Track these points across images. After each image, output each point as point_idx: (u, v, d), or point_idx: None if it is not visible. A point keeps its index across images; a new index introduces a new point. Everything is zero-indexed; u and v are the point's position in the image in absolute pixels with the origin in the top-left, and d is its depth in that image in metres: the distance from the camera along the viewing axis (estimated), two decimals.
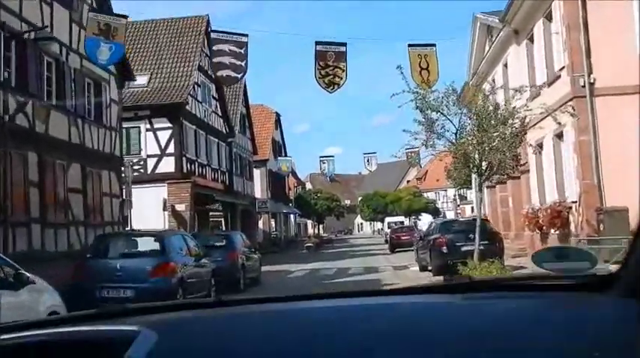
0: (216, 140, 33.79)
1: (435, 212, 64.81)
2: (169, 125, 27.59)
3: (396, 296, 1.73)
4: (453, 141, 15.49)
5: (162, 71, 29.29)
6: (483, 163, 15.16)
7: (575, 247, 3.01)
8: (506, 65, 23.91)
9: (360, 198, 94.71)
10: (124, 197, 20.82)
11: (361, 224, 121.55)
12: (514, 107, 14.92)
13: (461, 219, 21.03)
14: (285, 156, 55.12)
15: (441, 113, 14.83)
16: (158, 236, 12.30)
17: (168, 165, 27.43)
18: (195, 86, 30.14)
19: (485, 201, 31.16)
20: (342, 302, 1.67)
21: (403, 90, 14.35)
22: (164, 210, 26.14)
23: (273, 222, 50.81)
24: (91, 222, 18.02)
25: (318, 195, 76.77)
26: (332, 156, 36.50)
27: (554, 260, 1.53)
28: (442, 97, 14.68)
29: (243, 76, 14.59)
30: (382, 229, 63.77)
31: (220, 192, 33.14)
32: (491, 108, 14.94)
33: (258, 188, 45.97)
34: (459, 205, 63.72)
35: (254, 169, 44.63)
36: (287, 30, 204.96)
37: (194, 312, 1.70)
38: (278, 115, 53.13)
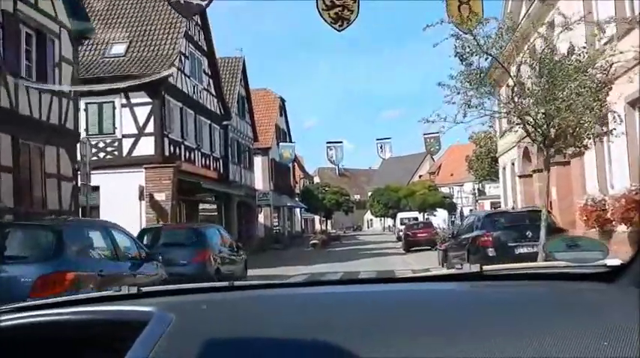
0: (208, 121, 29.60)
1: (452, 207, 60.33)
2: (149, 100, 23.43)
3: (406, 284, 1.75)
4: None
5: (142, 39, 25.11)
6: (552, 129, 10.73)
7: (587, 237, 1.97)
8: None
9: (370, 193, 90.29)
10: (79, 181, 16.65)
11: (371, 220, 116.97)
12: (597, 50, 10.56)
13: (513, 211, 16.47)
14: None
15: (494, 58, 10.46)
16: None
17: (146, 147, 23.28)
18: (182, 57, 25.95)
19: (518, 192, 26.87)
20: (352, 289, 1.70)
21: (441, 20, 10.05)
22: (140, 199, 21.98)
23: (276, 217, 46.56)
24: (26, 209, 13.88)
25: (326, 188, 72.48)
26: (340, 142, 32.29)
27: (566, 249, 1.51)
28: (495, 35, 10.34)
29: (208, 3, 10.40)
30: (394, 226, 59.42)
31: (212, 180, 28.97)
32: (562, 51, 10.58)
33: (259, 178, 41.83)
34: (477, 201, 59.26)
35: (254, 157, 40.45)
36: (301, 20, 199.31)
37: (207, 296, 1.70)
38: (283, 101, 48.88)
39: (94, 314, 1.49)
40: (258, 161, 42.15)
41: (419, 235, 33.38)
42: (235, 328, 1.30)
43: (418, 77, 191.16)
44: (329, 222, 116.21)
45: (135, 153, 23.21)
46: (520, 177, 26.07)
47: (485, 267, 1.63)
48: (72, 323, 1.48)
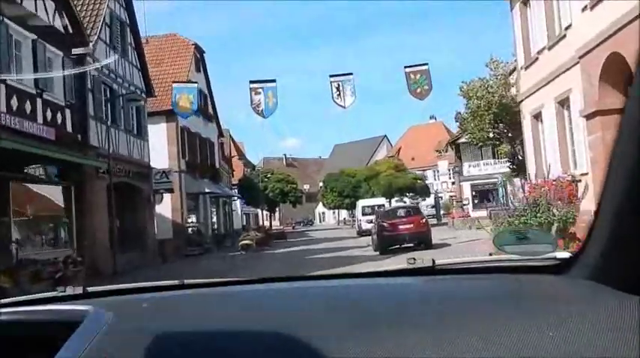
0: (32, 36, 16.61)
1: (425, 191, 48.49)
2: None
3: (359, 279, 1.71)
4: None
5: None
6: None
7: (536, 230, 2.99)
8: None
9: (321, 183, 78.18)
10: None
11: (323, 213, 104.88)
12: None
13: None
14: (213, 113, 38.07)
15: None
16: None
17: None
18: None
19: (575, 149, 15.17)
20: (306, 284, 1.67)
21: None
22: None
23: (193, 209, 33.65)
24: None
25: (269, 176, 59.81)
26: (272, 81, 19.78)
27: (515, 242, 1.53)
28: None
29: None
30: (353, 217, 47.11)
31: (42, 141, 16.10)
32: None
33: (161, 153, 29.05)
34: (453, 182, 47.80)
35: (150, 121, 27.56)
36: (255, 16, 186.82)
37: (152, 294, 1.66)
38: (200, 51, 35.92)
39: (31, 314, 1.47)
40: (158, 128, 29.36)
41: (401, 228, 21.19)
42: (179, 326, 1.26)
43: (367, 69, 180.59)
44: (276, 216, 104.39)
45: None
46: (592, 116, 14.15)
47: (437, 261, 1.61)
48: (8, 323, 1.45)
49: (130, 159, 23.36)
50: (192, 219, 32.58)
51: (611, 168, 1.08)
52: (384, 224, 21.72)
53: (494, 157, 47.71)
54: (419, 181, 48.92)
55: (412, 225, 21.27)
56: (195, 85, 20.86)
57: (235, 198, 59.24)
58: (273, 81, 20.44)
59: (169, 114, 30.17)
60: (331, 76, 20.62)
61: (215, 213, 38.12)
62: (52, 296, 1.65)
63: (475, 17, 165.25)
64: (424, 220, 21.89)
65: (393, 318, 1.19)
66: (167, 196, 29.71)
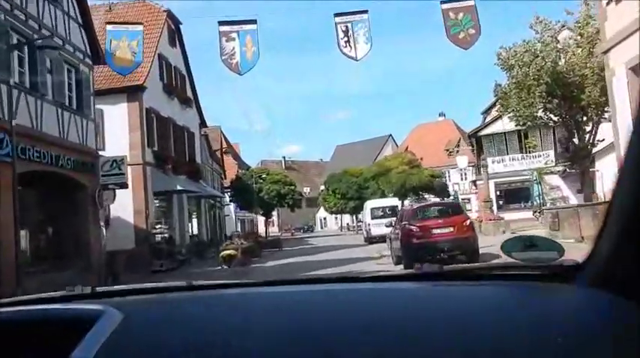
0: None
1: (444, 191, 42.17)
2: None
3: (365, 283, 1.71)
4: None
5: None
6: None
7: (544, 237, 1.63)
8: None
9: (322, 185, 71.88)
10: None
11: (324, 219, 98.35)
12: None
13: None
14: (193, 97, 31.78)
15: None
16: None
17: None
18: None
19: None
20: (314, 288, 1.68)
21: None
22: None
23: (163, 212, 27.36)
24: None
25: (264, 176, 53.54)
26: (252, 22, 13.66)
27: (522, 249, 1.53)
28: None
29: None
30: (360, 222, 40.86)
31: None
32: None
33: (121, 140, 22.95)
34: (474, 181, 41.56)
35: (105, 101, 21.45)
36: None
37: (163, 295, 1.68)
38: (176, 22, 29.66)
39: (43, 313, 1.46)
40: (117, 110, 23.26)
41: (437, 232, 14.92)
42: (189, 329, 1.26)
43: (368, 78, 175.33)
44: (274, 222, 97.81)
45: None
46: None
47: (445, 267, 1.61)
48: (19, 322, 1.45)
49: (62, 142, 17.10)
50: (160, 223, 26.22)
51: (622, 177, 1.10)
52: (412, 227, 15.39)
53: (521, 151, 41.56)
54: (437, 179, 42.46)
55: (453, 229, 15.01)
56: (141, 28, 14.51)
57: (224, 200, 53.30)
58: (253, 22, 14.20)
59: (132, 93, 24.04)
60: (336, 15, 14.37)
61: (196, 216, 31.75)
62: (61, 295, 1.67)
63: None
64: (468, 222, 15.60)
65: (399, 324, 1.20)
66: (127, 196, 23.48)
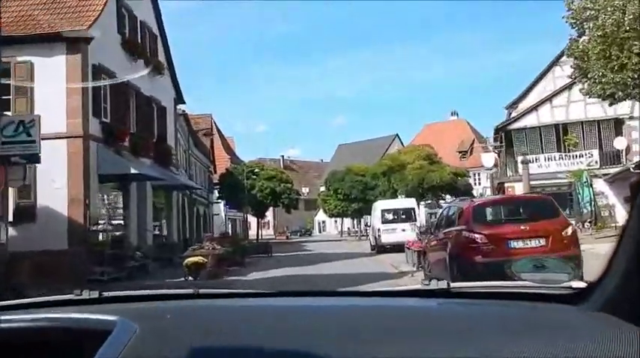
0: None
1: (468, 193, 35.93)
2: None
3: (374, 298, 1.71)
4: None
5: None
6: None
7: (554, 258, 1.84)
8: None
9: (322, 185, 65.67)
10: None
11: (323, 222, 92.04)
12: None
13: None
14: (167, 64, 25.57)
15: None
16: None
17: None
18: None
19: None
20: (319, 302, 1.68)
21: None
22: None
23: (129, 205, 21.26)
24: None
25: (257, 171, 47.37)
26: None
27: (532, 270, 1.53)
28: None
29: None
30: (367, 226, 34.65)
31: None
32: None
33: (57, 105, 17.02)
34: (501, 184, 35.36)
35: (32, 50, 15.59)
36: (244, 29, 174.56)
37: (171, 303, 1.66)
38: None
39: (54, 321, 1.44)
40: (52, 65, 17.35)
41: (519, 246, 8.80)
42: (200, 340, 1.28)
43: (366, 83, 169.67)
44: (270, 223, 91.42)
45: None
46: None
47: (452, 284, 1.58)
48: (30, 329, 1.43)
49: None
50: (112, 218, 19.98)
51: (637, 201, 1.10)
52: (475, 236, 9.21)
53: (559, 150, 35.46)
54: (461, 177, 36.11)
55: (545, 241, 8.89)
56: None
57: (211, 196, 47.08)
58: None
59: (73, 42, 17.93)
60: None
61: (165, 212, 25.54)
62: (68, 299, 1.65)
63: None
64: (570, 230, 9.40)
65: (403, 343, 1.20)
66: (62, 179, 17.40)
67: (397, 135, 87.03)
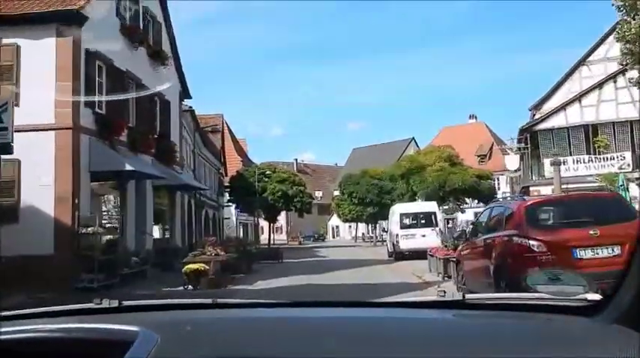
0: None
1: (492, 198, 33.95)
2: None
3: (390, 309, 1.72)
4: None
5: None
6: None
7: (569, 271, 1.71)
8: None
9: (336, 189, 63.86)
10: None
11: (337, 227, 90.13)
12: None
13: None
14: (173, 54, 23.85)
15: None
16: None
17: None
18: None
19: None
20: (336, 313, 1.68)
21: None
22: None
23: (126, 206, 19.58)
24: None
25: (269, 173, 45.67)
26: None
27: (547, 282, 1.54)
28: None
29: None
30: (384, 231, 32.79)
31: None
32: None
33: (45, 92, 15.33)
34: (526, 188, 33.30)
35: (19, 32, 14.03)
36: (259, 35, 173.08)
37: (190, 313, 1.68)
38: None
39: (74, 331, 1.44)
40: (41, 46, 15.71)
41: (585, 256, 6.93)
42: (220, 351, 1.29)
43: (380, 90, 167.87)
44: (283, 228, 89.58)
45: None
46: None
47: (468, 295, 1.60)
48: (49, 339, 1.42)
49: None
50: (103, 219, 18.23)
51: None
52: (532, 244, 7.32)
53: (588, 152, 33.38)
54: (484, 180, 34.03)
55: (620, 249, 7.02)
56: None
57: (222, 199, 45.31)
58: None
59: (64, 23, 16.30)
60: None
61: (168, 214, 23.81)
62: (88, 307, 1.66)
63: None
64: None
65: (420, 354, 1.20)
66: (49, 176, 15.74)
67: (413, 138, 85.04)
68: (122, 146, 18.64)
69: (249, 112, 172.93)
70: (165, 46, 23.03)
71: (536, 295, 1.54)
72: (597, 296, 1.39)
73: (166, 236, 23.71)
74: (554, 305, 1.47)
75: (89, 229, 15.98)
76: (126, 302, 1.68)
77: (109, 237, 17.25)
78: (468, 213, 40.20)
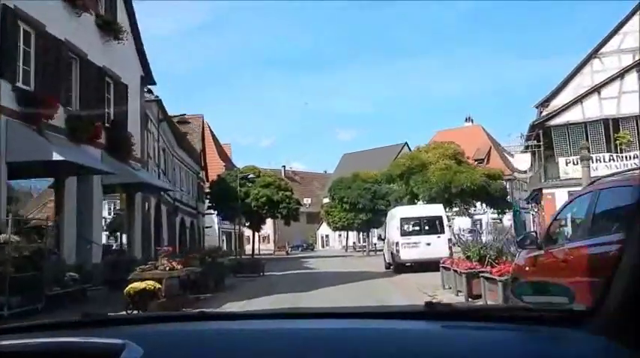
0: None
1: (503, 200, 30.24)
2: None
3: (376, 320, 1.68)
4: None
5: None
6: None
7: (555, 282, 2.88)
8: None
9: (325, 196, 60.02)
10: None
11: (327, 236, 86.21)
12: None
13: None
14: (132, 30, 20.07)
15: None
16: None
17: None
18: None
19: None
20: (322, 324, 1.65)
21: None
22: None
23: (62, 208, 15.61)
24: None
25: (252, 176, 41.88)
26: None
27: (534, 293, 1.79)
28: None
29: None
30: (380, 238, 29.00)
31: None
32: None
33: None
34: (538, 191, 29.74)
35: None
36: (249, 44, 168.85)
37: (177, 326, 1.67)
38: None
39: (60, 345, 1.43)
40: None
41: None
42: None
43: (371, 98, 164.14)
44: (270, 237, 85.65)
45: None
46: None
47: (454, 304, 1.59)
48: (34, 354, 1.42)
49: None
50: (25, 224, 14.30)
51: (635, 223, 1.09)
52: None
53: (608, 150, 29.90)
54: (495, 180, 30.31)
55: None
56: None
57: (201, 206, 41.23)
58: None
59: None
60: None
61: (125, 219, 19.92)
62: (76, 321, 1.66)
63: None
64: None
65: None
66: None
67: (406, 143, 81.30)
68: (59, 133, 14.84)
69: (237, 121, 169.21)
70: (121, 18, 19.25)
71: (523, 305, 1.60)
72: (582, 307, 1.37)
73: (124, 246, 19.84)
74: (539, 315, 1.46)
75: (1, 236, 12.10)
76: (112, 315, 1.75)
77: (32, 246, 13.31)
78: (464, 220, 35.87)
